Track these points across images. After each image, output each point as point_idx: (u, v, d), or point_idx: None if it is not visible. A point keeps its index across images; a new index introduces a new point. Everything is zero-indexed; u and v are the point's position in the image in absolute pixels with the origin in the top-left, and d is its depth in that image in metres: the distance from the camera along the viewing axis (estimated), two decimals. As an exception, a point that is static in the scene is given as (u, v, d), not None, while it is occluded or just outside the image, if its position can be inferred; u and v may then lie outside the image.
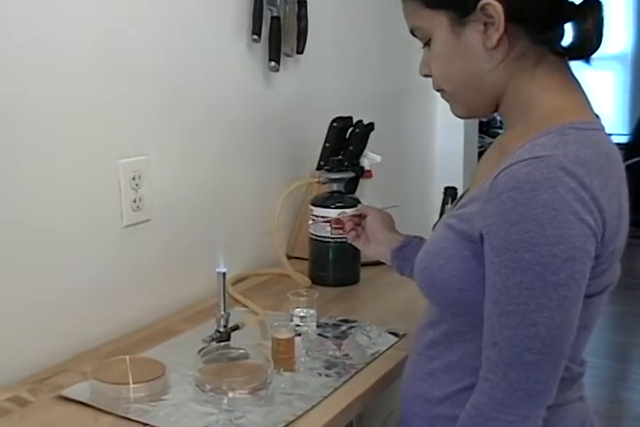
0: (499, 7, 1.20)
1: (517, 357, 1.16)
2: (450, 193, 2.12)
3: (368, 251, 1.77)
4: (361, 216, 1.75)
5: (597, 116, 1.27)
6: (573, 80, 1.28)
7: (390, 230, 1.71)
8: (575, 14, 1.23)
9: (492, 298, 1.18)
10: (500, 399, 1.18)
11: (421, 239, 1.66)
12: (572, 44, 1.24)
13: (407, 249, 1.66)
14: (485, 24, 1.23)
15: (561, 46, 1.25)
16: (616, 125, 7.07)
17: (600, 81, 7.09)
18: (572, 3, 1.24)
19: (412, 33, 1.35)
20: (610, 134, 1.26)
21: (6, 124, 1.53)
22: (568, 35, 1.25)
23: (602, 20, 1.23)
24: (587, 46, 1.24)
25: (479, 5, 1.22)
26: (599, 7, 1.23)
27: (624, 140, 6.85)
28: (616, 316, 4.78)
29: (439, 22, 1.27)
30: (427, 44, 1.33)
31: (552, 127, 1.19)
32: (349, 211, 1.81)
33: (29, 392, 1.52)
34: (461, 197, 1.42)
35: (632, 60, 7.05)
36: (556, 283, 1.12)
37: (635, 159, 6.21)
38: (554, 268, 1.12)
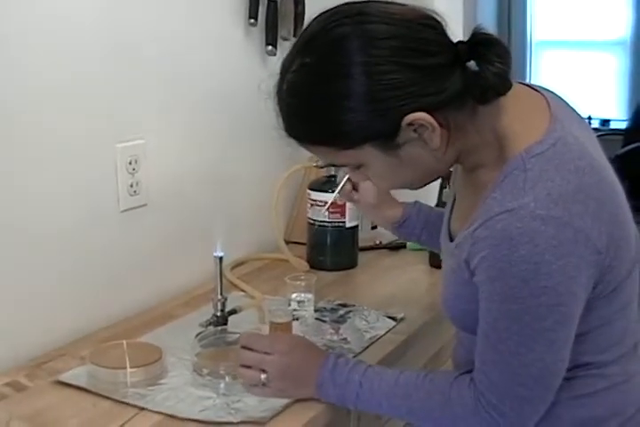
0: (424, 115, 1.16)
1: (510, 390, 1.22)
2: (448, 177, 2.10)
3: (369, 216, 1.77)
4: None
5: (554, 108, 1.25)
6: (513, 97, 1.23)
7: (384, 199, 1.68)
8: (474, 56, 1.19)
9: (483, 327, 1.23)
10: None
11: (420, 207, 1.70)
12: (491, 87, 1.19)
13: (408, 223, 1.69)
14: (415, 130, 1.19)
15: (483, 92, 1.19)
16: (615, 111, 7.06)
17: (599, 67, 7.08)
18: (463, 46, 1.19)
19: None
20: (588, 119, 1.24)
21: (1, 108, 1.52)
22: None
23: (505, 52, 1.19)
24: (505, 83, 1.20)
25: (404, 123, 1.17)
26: (493, 42, 1.19)
27: (623, 126, 6.83)
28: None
29: (368, 153, 1.22)
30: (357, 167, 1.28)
31: (512, 162, 1.19)
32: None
33: (27, 377, 1.52)
34: (452, 205, 1.44)
35: (631, 46, 7.01)
36: (543, 328, 1.17)
37: (633, 145, 6.19)
38: (541, 316, 1.17)
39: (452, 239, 1.37)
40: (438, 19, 1.21)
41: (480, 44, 1.19)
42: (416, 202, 1.72)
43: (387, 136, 1.19)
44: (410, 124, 1.17)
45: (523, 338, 1.18)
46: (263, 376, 1.39)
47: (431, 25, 1.19)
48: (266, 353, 1.40)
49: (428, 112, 1.17)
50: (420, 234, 1.69)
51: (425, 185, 1.34)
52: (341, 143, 1.21)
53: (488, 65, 1.18)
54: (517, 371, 1.20)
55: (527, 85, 1.33)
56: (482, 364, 1.24)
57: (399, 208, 1.69)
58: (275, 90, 1.24)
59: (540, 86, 1.34)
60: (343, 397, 1.36)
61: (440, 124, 1.19)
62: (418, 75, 1.15)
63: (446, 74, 1.18)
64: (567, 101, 1.34)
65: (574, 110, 1.34)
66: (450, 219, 1.43)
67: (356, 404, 1.36)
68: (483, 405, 1.23)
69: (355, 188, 1.64)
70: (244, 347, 1.42)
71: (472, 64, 1.20)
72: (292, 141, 1.28)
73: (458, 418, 1.28)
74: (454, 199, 1.45)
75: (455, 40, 1.21)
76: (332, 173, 2.07)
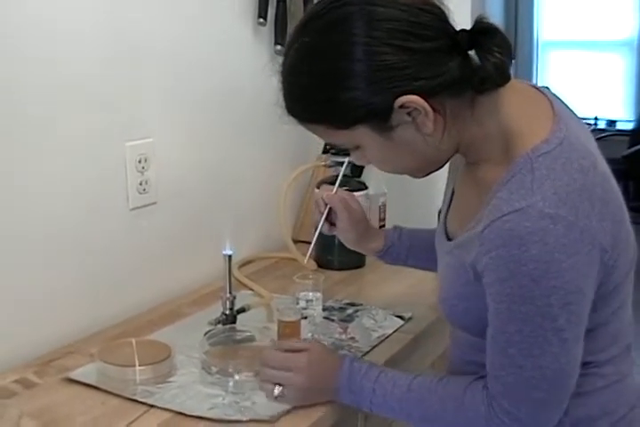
0: (417, 98, 1.16)
1: (525, 395, 1.21)
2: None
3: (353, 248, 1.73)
4: (330, 213, 1.64)
5: (556, 109, 1.25)
6: (515, 93, 1.25)
7: (364, 232, 1.67)
8: (474, 45, 1.19)
9: (491, 331, 1.22)
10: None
11: (401, 232, 1.69)
12: (490, 78, 1.19)
13: (392, 251, 1.68)
14: (409, 114, 1.19)
15: (481, 81, 1.19)
16: (621, 112, 7.05)
17: (606, 67, 7.07)
18: (464, 35, 1.19)
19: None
20: (595, 119, 1.24)
21: (10, 108, 1.53)
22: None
23: (505, 43, 1.19)
24: (504, 75, 1.20)
25: (396, 106, 1.17)
26: (495, 32, 1.19)
27: (629, 126, 6.83)
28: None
29: (362, 134, 1.23)
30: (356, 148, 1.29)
31: (519, 161, 1.18)
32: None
33: (36, 374, 1.53)
34: (449, 204, 1.43)
35: (638, 47, 7.01)
36: (555, 328, 1.16)
37: (639, 146, 6.19)
38: (552, 316, 1.15)
39: (448, 237, 1.37)
40: (441, 6, 1.21)
41: (480, 33, 1.19)
42: (396, 227, 1.71)
43: (380, 117, 1.19)
44: (402, 106, 1.17)
45: (535, 340, 1.16)
46: (277, 390, 1.39)
47: (430, 10, 1.19)
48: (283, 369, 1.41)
49: (422, 96, 1.17)
50: (406, 259, 1.69)
51: (427, 174, 1.34)
52: (336, 122, 1.22)
53: (487, 54, 1.18)
54: (531, 374, 1.18)
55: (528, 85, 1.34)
56: (493, 369, 1.23)
57: (380, 238, 1.68)
58: (278, 69, 1.26)
59: (539, 86, 1.34)
60: (358, 402, 1.37)
61: (435, 110, 1.19)
62: (411, 58, 1.16)
63: (443, 60, 1.18)
64: (564, 101, 1.33)
65: (571, 110, 1.34)
66: (446, 216, 1.43)
67: (371, 409, 1.36)
68: (495, 410, 1.22)
69: (332, 223, 1.64)
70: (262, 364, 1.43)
71: (473, 53, 1.20)
72: (303, 128, 1.29)
73: (471, 423, 1.27)
74: (452, 195, 1.44)
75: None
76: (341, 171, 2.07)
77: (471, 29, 1.20)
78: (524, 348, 1.18)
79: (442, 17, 1.20)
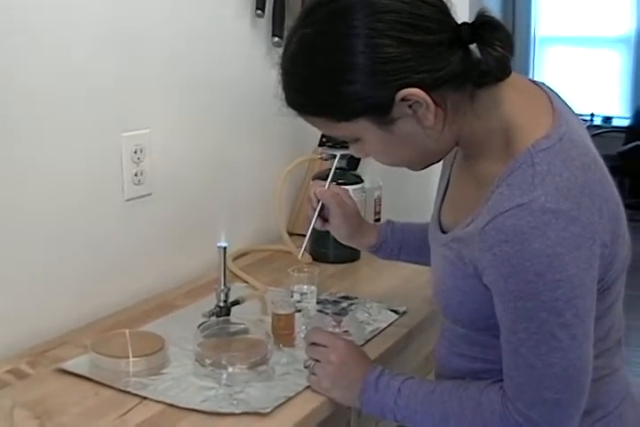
0: (418, 91, 1.16)
1: (537, 395, 1.19)
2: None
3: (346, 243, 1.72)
4: (323, 208, 1.63)
5: (555, 105, 1.25)
6: (515, 89, 1.24)
7: (357, 228, 1.66)
8: (476, 38, 1.18)
9: (503, 333, 1.21)
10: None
11: (394, 227, 1.69)
12: (490, 72, 1.18)
13: (385, 246, 1.68)
14: (411, 106, 1.18)
15: (481, 75, 1.19)
16: (617, 109, 7.06)
17: (602, 64, 7.07)
18: (466, 28, 1.19)
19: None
20: (591, 116, 1.23)
21: (7, 98, 1.52)
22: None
23: (506, 37, 1.18)
24: (505, 69, 1.19)
25: (397, 98, 1.16)
26: (496, 26, 1.19)
27: (625, 123, 6.83)
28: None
29: (363, 127, 1.22)
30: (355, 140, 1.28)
31: (519, 156, 1.18)
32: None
33: (29, 365, 1.52)
34: (443, 196, 1.42)
35: (635, 44, 7.01)
36: (562, 324, 1.15)
37: (635, 143, 6.20)
38: (558, 311, 1.14)
39: (442, 230, 1.37)
40: None
41: (482, 26, 1.18)
42: (389, 221, 1.71)
43: (381, 110, 1.19)
44: (404, 99, 1.17)
45: (542, 336, 1.15)
46: (310, 362, 1.43)
47: (432, 3, 1.18)
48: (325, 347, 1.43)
49: (423, 89, 1.16)
50: (399, 254, 1.69)
51: (426, 167, 1.33)
52: (336, 115, 1.22)
53: (488, 48, 1.17)
54: (542, 372, 1.17)
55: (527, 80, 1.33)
56: (507, 369, 1.22)
57: (373, 233, 1.68)
58: (278, 61, 1.25)
59: (537, 81, 1.34)
60: (383, 403, 1.35)
61: (436, 103, 1.18)
62: (413, 50, 1.15)
63: (444, 53, 1.17)
64: (562, 97, 1.33)
65: (569, 106, 1.33)
66: (440, 208, 1.42)
67: (394, 411, 1.34)
68: (510, 410, 1.21)
69: (325, 219, 1.63)
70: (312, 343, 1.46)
71: (474, 47, 1.19)
72: (299, 120, 1.28)
73: (487, 423, 1.25)
74: (445, 187, 1.44)
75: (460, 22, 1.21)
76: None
77: (473, 23, 1.19)
78: (532, 346, 1.17)
79: (444, 10, 1.19)
